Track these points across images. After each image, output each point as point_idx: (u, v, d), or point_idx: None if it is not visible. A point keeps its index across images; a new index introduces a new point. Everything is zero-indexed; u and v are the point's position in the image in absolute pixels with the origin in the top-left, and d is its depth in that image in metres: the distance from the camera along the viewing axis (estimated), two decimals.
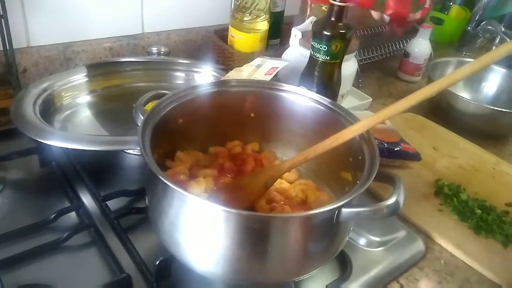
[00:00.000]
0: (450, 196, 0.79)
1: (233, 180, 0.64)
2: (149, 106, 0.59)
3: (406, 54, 1.25)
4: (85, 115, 0.83)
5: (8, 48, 0.78)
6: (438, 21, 1.53)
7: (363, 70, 1.19)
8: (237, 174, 0.66)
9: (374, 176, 0.50)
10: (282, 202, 0.61)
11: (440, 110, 1.06)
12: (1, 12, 0.74)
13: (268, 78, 0.84)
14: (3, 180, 0.70)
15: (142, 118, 0.56)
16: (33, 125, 0.67)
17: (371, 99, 1.08)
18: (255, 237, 0.47)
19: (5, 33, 0.76)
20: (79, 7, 0.91)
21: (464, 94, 1.11)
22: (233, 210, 0.45)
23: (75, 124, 0.79)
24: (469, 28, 1.49)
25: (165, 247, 0.53)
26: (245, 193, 0.60)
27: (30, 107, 0.72)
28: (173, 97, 0.61)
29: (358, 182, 0.51)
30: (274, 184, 0.62)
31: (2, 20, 0.75)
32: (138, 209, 0.66)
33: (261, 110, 0.69)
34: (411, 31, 1.32)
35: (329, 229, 0.50)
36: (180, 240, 0.51)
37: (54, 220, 0.62)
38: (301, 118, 0.68)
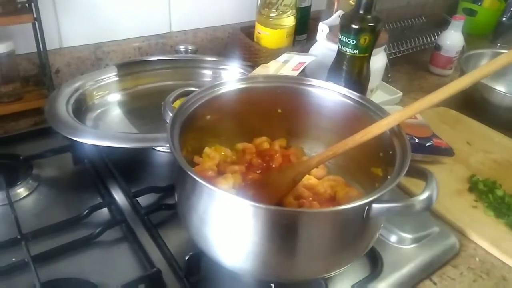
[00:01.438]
0: (485, 192, 0.77)
1: (261, 176, 0.64)
2: (178, 104, 0.60)
3: (438, 47, 1.22)
4: (116, 113, 0.84)
5: (42, 49, 0.81)
6: (470, 13, 1.48)
7: (393, 64, 1.17)
8: (265, 170, 0.66)
9: (405, 171, 0.48)
10: (311, 198, 0.61)
11: (474, 104, 1.02)
12: (35, 15, 0.76)
13: (295, 73, 0.83)
14: (39, 177, 0.72)
15: (171, 115, 0.56)
16: (66, 124, 0.69)
17: (401, 94, 1.05)
18: (284, 232, 0.46)
19: (39, 35, 0.79)
20: (108, 9, 0.93)
21: (499, 86, 1.07)
22: (261, 205, 0.44)
23: (106, 122, 0.81)
24: (503, 18, 1.44)
25: (194, 242, 0.54)
26: (273, 189, 0.60)
27: (63, 106, 0.74)
28: (201, 94, 0.61)
29: (389, 177, 0.50)
30: (302, 180, 0.61)
31: (36, 23, 0.78)
32: (167, 205, 0.67)
33: (288, 105, 0.69)
34: (443, 23, 1.28)
35: (359, 225, 0.49)
36: (209, 235, 0.51)
37: (87, 216, 0.64)
38: (329, 113, 0.67)
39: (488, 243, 0.68)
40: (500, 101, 0.97)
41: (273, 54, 0.96)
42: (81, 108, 0.79)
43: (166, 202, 0.68)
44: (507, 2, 1.43)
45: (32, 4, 0.76)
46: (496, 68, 0.51)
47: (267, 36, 1.00)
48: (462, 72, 1.04)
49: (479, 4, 1.48)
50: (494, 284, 0.63)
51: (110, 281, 0.55)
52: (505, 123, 0.97)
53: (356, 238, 0.50)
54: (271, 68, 0.86)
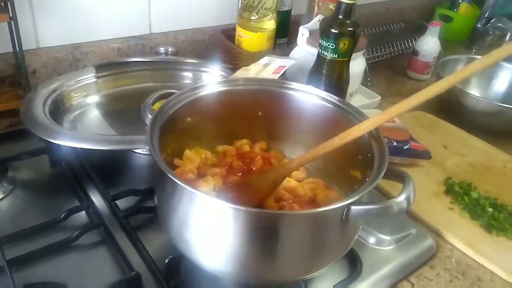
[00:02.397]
0: (461, 194, 0.79)
1: (241, 179, 0.64)
2: (158, 106, 0.59)
3: (415, 52, 1.24)
4: (94, 115, 0.83)
5: (18, 49, 0.79)
6: (447, 19, 1.51)
7: (372, 68, 1.19)
8: (246, 173, 0.66)
9: (383, 173, 0.49)
10: (291, 201, 0.61)
11: (450, 108, 1.05)
12: (10, 14, 0.75)
13: (276, 77, 0.83)
14: (14, 180, 0.71)
15: (151, 117, 0.56)
16: (43, 125, 0.68)
17: (380, 98, 1.07)
18: (264, 235, 0.46)
19: (14, 35, 0.77)
20: (87, 9, 0.91)
21: (474, 91, 1.10)
22: (242, 208, 0.44)
23: (84, 124, 0.79)
24: (478, 25, 1.47)
25: (174, 245, 0.53)
26: (254, 192, 0.60)
27: (40, 108, 0.72)
28: (181, 96, 0.61)
29: (367, 179, 0.51)
30: (283, 182, 0.62)
31: (12, 22, 0.76)
32: (147, 208, 0.66)
33: (269, 108, 0.69)
34: (420, 29, 1.31)
35: (339, 227, 0.49)
36: (189, 238, 0.51)
37: (64, 219, 0.63)
38: (309, 117, 0.67)
39: (464, 244, 0.70)
40: (475, 105, 0.99)
41: (254, 57, 0.96)
42: (58, 110, 0.77)
43: (146, 205, 0.67)
44: (482, 9, 1.47)
45: (8, 3, 0.74)
46: (471, 73, 0.53)
47: (248, 39, 1.00)
48: (439, 77, 1.07)
49: (455, 10, 1.52)
50: (470, 284, 0.65)
51: (88, 285, 0.55)
52: (480, 127, 0.99)
53: (336, 240, 0.51)
54: (252, 71, 0.86)
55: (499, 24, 1.42)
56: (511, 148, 0.98)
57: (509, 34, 1.40)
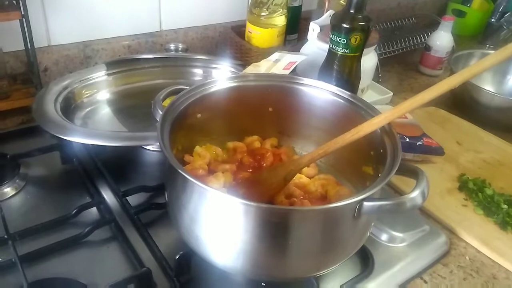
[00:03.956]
0: (475, 191, 0.77)
1: (252, 175, 0.64)
2: (168, 102, 0.59)
3: (428, 48, 1.23)
4: (105, 112, 0.83)
5: (29, 47, 0.80)
6: (460, 14, 1.49)
7: (383, 64, 1.17)
8: (256, 169, 0.66)
9: (396, 169, 0.48)
10: (302, 197, 0.61)
11: (464, 104, 1.03)
12: (22, 12, 0.75)
13: (286, 72, 0.83)
14: (26, 176, 0.71)
15: (161, 113, 0.56)
16: (54, 122, 0.68)
17: (391, 94, 1.06)
18: (275, 230, 0.46)
19: (26, 33, 0.78)
20: (97, 6, 0.92)
21: (488, 87, 1.08)
22: (252, 203, 0.44)
23: (95, 121, 0.80)
24: (492, 20, 1.45)
25: (185, 241, 0.53)
26: (264, 188, 0.59)
27: (51, 105, 0.73)
28: (191, 92, 0.61)
29: (379, 175, 0.50)
30: (293, 179, 0.61)
31: (24, 20, 0.76)
32: (157, 205, 0.66)
33: (279, 104, 0.68)
34: (433, 24, 1.29)
35: (350, 224, 0.49)
36: (200, 234, 0.51)
37: (76, 215, 0.63)
38: (320, 112, 0.67)
39: (478, 241, 0.69)
40: (489, 101, 0.98)
41: (264, 53, 0.96)
42: (69, 107, 0.78)
43: (156, 201, 0.67)
44: (496, 4, 1.44)
45: (20, 1, 0.74)
46: (485, 67, 0.52)
47: (258, 35, 1.00)
48: (452, 72, 1.05)
49: (468, 5, 1.50)
50: (484, 282, 0.64)
51: (99, 280, 0.55)
52: (494, 123, 0.98)
53: (348, 237, 0.50)
54: (262, 67, 0.86)
55: None
56: None
57: None
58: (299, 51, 0.96)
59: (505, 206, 0.74)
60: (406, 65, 1.29)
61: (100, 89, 0.85)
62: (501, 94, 1.02)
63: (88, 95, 0.83)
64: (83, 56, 0.92)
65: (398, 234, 0.66)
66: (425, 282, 0.62)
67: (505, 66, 1.12)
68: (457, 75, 0.52)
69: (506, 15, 1.41)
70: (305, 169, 0.65)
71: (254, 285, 0.56)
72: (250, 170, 0.65)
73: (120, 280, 0.52)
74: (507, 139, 0.95)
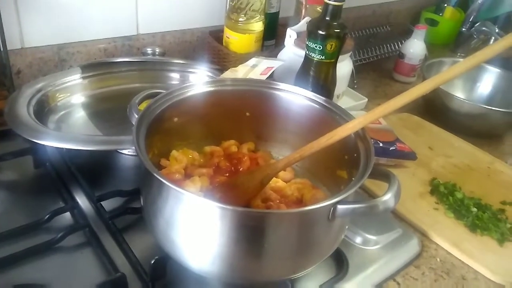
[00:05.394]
0: (445, 194, 0.80)
1: (228, 179, 0.64)
2: (144, 105, 0.59)
3: (401, 55, 1.26)
4: (80, 115, 0.82)
5: (2, 49, 0.78)
6: (432, 23, 1.53)
7: (359, 71, 1.19)
8: (233, 174, 0.66)
9: (369, 173, 0.49)
10: (278, 201, 0.61)
11: (435, 110, 1.06)
12: None
13: (264, 78, 0.84)
14: None
15: (137, 117, 0.56)
16: (27, 126, 0.67)
17: (366, 100, 1.08)
18: (251, 234, 0.46)
19: None
20: (73, 9, 0.90)
21: (459, 93, 1.11)
22: (228, 207, 0.44)
23: (69, 125, 0.78)
24: (463, 29, 1.50)
25: (161, 246, 0.53)
26: (241, 192, 0.59)
27: (24, 108, 0.71)
28: (168, 95, 0.61)
29: (353, 179, 0.51)
30: (270, 183, 0.62)
31: None
32: (133, 209, 0.65)
33: (256, 109, 0.69)
34: (406, 32, 1.33)
35: (325, 226, 0.50)
36: (175, 238, 0.50)
37: (48, 220, 0.62)
38: (296, 117, 0.68)
39: (449, 243, 0.71)
40: (460, 107, 1.01)
41: (242, 58, 0.96)
42: (43, 110, 0.76)
43: (132, 206, 0.67)
44: (467, 13, 1.49)
45: None
46: (456, 74, 0.53)
47: (235, 41, 1.00)
48: (425, 80, 1.08)
49: (440, 14, 1.54)
50: (454, 283, 0.65)
51: (72, 287, 0.54)
52: (465, 129, 1.01)
53: (322, 239, 0.51)
54: (240, 72, 0.86)
55: (484, 28, 1.44)
56: (495, 149, 1.00)
57: (493, 38, 1.42)
58: (276, 57, 0.97)
59: (475, 209, 0.76)
60: (380, 72, 1.32)
61: (75, 93, 0.84)
62: (471, 100, 1.05)
63: (62, 98, 0.82)
64: (57, 59, 0.91)
65: (372, 237, 0.67)
66: (398, 284, 0.64)
67: (475, 74, 1.16)
68: (428, 81, 0.54)
69: (476, 24, 1.46)
70: (282, 173, 0.66)
71: None
72: (227, 174, 0.66)
73: (94, 286, 0.51)
74: (476, 145, 0.98)
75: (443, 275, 0.66)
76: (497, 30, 1.42)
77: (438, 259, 0.69)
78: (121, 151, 0.77)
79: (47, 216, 0.62)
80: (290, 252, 0.49)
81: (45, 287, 0.54)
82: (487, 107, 0.98)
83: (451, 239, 0.71)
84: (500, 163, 0.93)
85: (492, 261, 0.68)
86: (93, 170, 0.73)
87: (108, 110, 0.84)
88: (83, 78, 0.85)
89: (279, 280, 0.54)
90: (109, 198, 0.67)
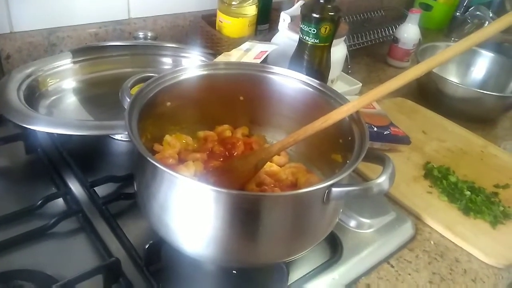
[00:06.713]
0: (439, 178, 0.80)
1: (222, 164, 0.63)
2: (136, 90, 0.58)
3: (395, 40, 1.25)
4: (71, 101, 0.81)
5: None
6: (426, 7, 1.52)
7: (353, 56, 1.19)
8: (227, 158, 0.66)
9: (363, 155, 0.49)
10: (272, 185, 0.61)
11: (429, 95, 1.06)
12: None
13: (257, 62, 0.83)
14: None
15: (129, 101, 0.55)
16: (17, 111, 0.66)
17: (361, 84, 1.07)
18: (245, 217, 0.46)
19: None
20: None
21: (453, 78, 1.11)
22: (223, 190, 0.44)
23: (60, 110, 0.77)
24: (457, 14, 1.49)
25: (155, 230, 0.53)
26: (235, 176, 0.59)
27: (14, 93, 0.70)
28: (161, 79, 0.60)
29: (348, 162, 0.51)
30: (264, 167, 0.61)
31: None
32: (126, 195, 0.65)
33: (250, 93, 0.68)
34: (401, 17, 1.32)
35: (319, 209, 0.50)
36: (170, 223, 0.50)
37: (41, 206, 0.61)
38: (290, 101, 0.67)
39: (442, 227, 0.71)
40: (454, 92, 1.01)
41: (235, 43, 0.95)
42: (33, 95, 0.75)
43: (125, 192, 0.66)
44: None
45: None
46: (449, 57, 0.53)
47: (229, 25, 0.99)
48: None
49: None
50: (448, 265, 0.66)
51: (66, 272, 0.53)
52: (458, 113, 1.01)
53: (317, 222, 0.51)
54: (233, 56, 0.85)
55: (477, 13, 1.43)
56: (489, 133, 1.01)
57: (487, 22, 1.42)
58: (270, 41, 0.96)
59: (468, 193, 0.77)
60: (374, 57, 1.31)
61: (66, 78, 0.82)
62: (464, 85, 1.05)
63: (53, 83, 0.80)
64: (47, 44, 0.89)
65: (366, 221, 0.67)
66: (392, 266, 0.64)
67: (469, 58, 1.16)
68: (422, 63, 0.53)
69: (470, 9, 1.45)
70: (276, 158, 0.66)
71: (225, 273, 0.57)
72: (221, 159, 0.65)
73: (88, 271, 0.51)
74: (470, 129, 0.98)
75: (437, 257, 0.67)
76: (491, 15, 1.42)
77: (432, 242, 0.70)
78: (113, 137, 0.77)
79: (40, 202, 0.61)
80: (284, 235, 0.49)
81: (39, 273, 0.53)
82: (480, 91, 0.99)
83: (445, 222, 0.72)
84: (493, 147, 0.93)
85: (485, 244, 0.69)
86: (85, 155, 0.72)
87: (99, 95, 0.83)
88: (74, 62, 0.84)
89: (273, 263, 0.54)
90: (102, 184, 0.66)
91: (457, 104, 1.01)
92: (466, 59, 1.16)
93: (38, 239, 0.58)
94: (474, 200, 0.75)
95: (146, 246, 0.54)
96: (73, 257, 0.57)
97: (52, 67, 0.81)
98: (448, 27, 1.53)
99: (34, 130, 0.63)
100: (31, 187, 0.66)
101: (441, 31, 1.54)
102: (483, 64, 1.16)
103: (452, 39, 1.49)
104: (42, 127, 0.63)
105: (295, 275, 0.57)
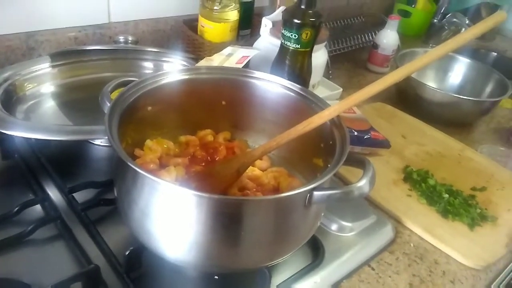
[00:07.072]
0: (418, 181, 0.81)
1: (204, 168, 0.63)
2: (116, 94, 0.58)
3: (375, 46, 1.27)
4: (50, 105, 0.80)
5: None
6: (405, 14, 1.56)
7: (334, 61, 1.20)
8: (209, 163, 0.65)
9: (344, 159, 0.50)
10: (255, 189, 0.61)
11: (408, 100, 1.08)
12: None
13: (239, 67, 0.83)
14: None
15: (109, 105, 0.54)
16: None
17: (341, 89, 1.08)
18: (227, 222, 0.46)
19: None
20: None
21: (431, 83, 1.14)
22: (204, 194, 0.44)
23: (39, 115, 0.76)
24: (435, 20, 1.53)
25: (136, 237, 0.52)
26: (217, 181, 0.59)
27: None
28: (142, 83, 0.60)
29: (329, 166, 0.51)
30: (247, 171, 0.61)
31: None
32: (106, 201, 0.64)
33: (232, 97, 0.68)
34: (380, 23, 1.34)
35: (301, 213, 0.50)
36: (151, 228, 0.50)
37: (18, 213, 0.60)
38: (272, 105, 0.67)
39: (422, 229, 0.72)
40: (432, 96, 1.03)
41: (217, 48, 0.95)
42: (10, 100, 0.73)
43: (105, 198, 0.65)
44: (438, 5, 1.52)
45: None
46: (427, 62, 0.54)
47: (210, 30, 0.99)
48: None
49: (413, 6, 1.56)
50: (427, 267, 0.67)
51: (43, 280, 0.52)
52: (436, 118, 1.03)
53: (299, 226, 0.51)
54: (215, 61, 0.85)
55: (454, 20, 1.47)
56: (466, 137, 1.03)
57: (463, 29, 1.46)
58: (252, 46, 0.97)
59: (446, 196, 0.78)
60: (355, 62, 1.33)
61: (44, 82, 0.81)
62: (442, 90, 1.07)
63: (31, 87, 0.79)
64: (25, 47, 0.88)
65: (347, 224, 0.68)
66: (373, 269, 0.65)
67: (446, 63, 1.19)
68: (401, 69, 0.54)
69: (447, 16, 1.49)
70: (258, 162, 0.66)
71: (207, 278, 0.56)
72: (203, 164, 0.65)
73: (66, 278, 0.50)
74: (448, 133, 1.00)
75: (417, 260, 0.68)
76: (467, 21, 1.46)
77: (412, 245, 0.70)
78: (93, 142, 0.75)
79: (16, 209, 0.60)
80: (267, 240, 0.49)
81: (16, 282, 0.52)
82: (457, 96, 1.01)
83: (424, 224, 0.73)
84: (470, 151, 0.95)
85: (463, 246, 0.70)
86: (64, 161, 0.71)
87: (79, 100, 0.81)
88: (53, 67, 0.82)
89: (256, 267, 0.54)
90: (81, 190, 0.65)
91: (435, 109, 1.03)
92: (444, 65, 1.19)
93: (15, 246, 0.57)
94: (452, 203, 0.77)
95: (127, 253, 0.53)
96: (51, 265, 0.56)
97: (30, 71, 0.79)
98: (426, 34, 1.57)
99: (11, 135, 0.62)
100: (8, 194, 0.65)
101: (419, 37, 1.57)
102: (460, 70, 1.19)
103: (430, 45, 1.52)
104: (19, 132, 0.62)
105: (278, 279, 0.57)
